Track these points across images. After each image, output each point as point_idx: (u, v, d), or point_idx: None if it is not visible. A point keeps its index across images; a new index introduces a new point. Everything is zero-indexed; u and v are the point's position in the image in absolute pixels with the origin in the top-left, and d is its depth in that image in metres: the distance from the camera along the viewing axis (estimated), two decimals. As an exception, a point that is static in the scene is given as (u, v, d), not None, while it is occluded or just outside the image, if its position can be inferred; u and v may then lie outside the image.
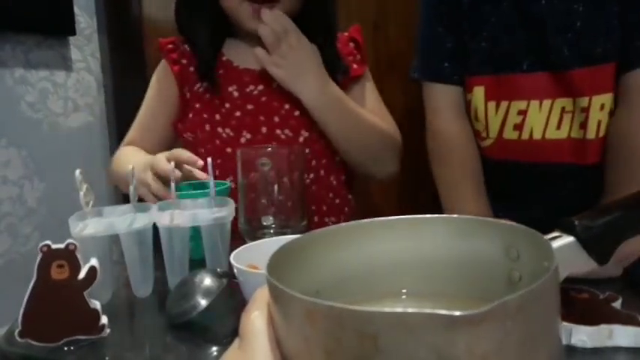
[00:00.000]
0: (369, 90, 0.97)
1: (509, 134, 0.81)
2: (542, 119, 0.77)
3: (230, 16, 0.90)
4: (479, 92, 0.83)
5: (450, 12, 0.83)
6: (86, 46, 1.74)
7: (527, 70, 0.77)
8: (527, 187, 0.83)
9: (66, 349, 0.56)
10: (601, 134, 0.73)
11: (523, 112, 0.78)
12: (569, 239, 0.35)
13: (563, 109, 0.75)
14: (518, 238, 0.33)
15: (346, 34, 0.97)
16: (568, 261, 0.34)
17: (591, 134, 0.73)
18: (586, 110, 0.73)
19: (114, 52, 1.76)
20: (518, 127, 0.79)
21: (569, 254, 0.35)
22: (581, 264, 0.35)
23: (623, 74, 0.71)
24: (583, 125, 0.74)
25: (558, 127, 0.76)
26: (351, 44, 0.96)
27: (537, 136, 0.78)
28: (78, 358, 0.56)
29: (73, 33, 1.65)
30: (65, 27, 1.63)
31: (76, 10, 1.66)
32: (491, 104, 0.81)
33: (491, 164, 0.87)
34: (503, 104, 0.80)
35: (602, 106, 0.72)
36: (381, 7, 1.43)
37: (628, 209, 0.37)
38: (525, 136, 0.79)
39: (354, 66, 0.95)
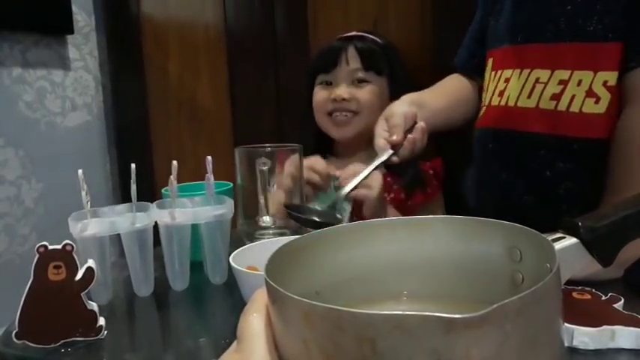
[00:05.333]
0: (439, 210, 1.12)
1: (495, 100, 0.87)
2: (519, 87, 0.82)
3: (323, 130, 1.13)
4: (489, 64, 0.91)
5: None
6: (84, 45, 1.73)
7: (520, 42, 0.83)
8: (503, 156, 0.86)
9: (63, 350, 0.56)
10: (572, 109, 0.75)
11: (507, 80, 0.84)
12: (572, 241, 0.34)
13: (537, 80, 0.79)
14: (521, 239, 0.33)
15: (429, 163, 1.11)
16: (571, 262, 0.34)
17: (563, 106, 0.76)
18: (564, 82, 0.76)
19: (112, 50, 1.75)
20: (501, 94, 0.85)
21: (572, 256, 0.34)
22: (585, 265, 0.35)
23: (633, 71, 0.72)
24: (557, 97, 0.77)
25: (529, 96, 0.80)
26: (431, 172, 1.11)
27: (511, 103, 0.82)
28: (75, 359, 0.55)
29: (71, 32, 1.65)
30: (63, 26, 1.62)
31: (74, 8, 1.65)
32: (493, 74, 0.89)
33: (475, 134, 0.93)
34: (498, 73, 0.87)
35: (580, 82, 0.75)
36: (382, 4, 1.43)
37: (632, 210, 0.37)
38: (503, 102, 0.84)
39: (428, 190, 1.10)
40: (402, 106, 0.86)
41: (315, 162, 0.97)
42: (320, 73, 1.13)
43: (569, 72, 0.76)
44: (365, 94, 1.09)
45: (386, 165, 0.84)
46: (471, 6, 1.31)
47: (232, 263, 0.59)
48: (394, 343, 0.23)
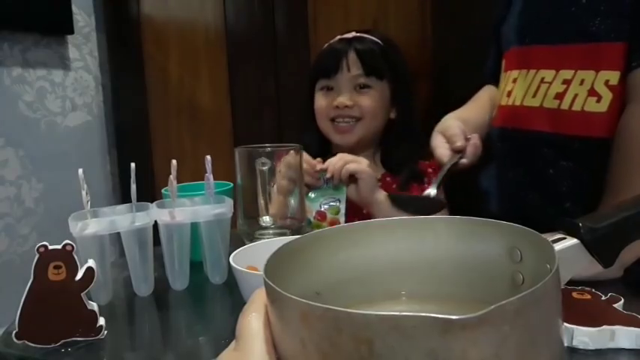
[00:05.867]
0: None
1: (503, 100, 0.89)
2: (524, 87, 0.84)
3: (324, 134, 1.14)
4: (502, 66, 0.94)
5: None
6: (84, 45, 1.73)
7: (527, 43, 0.86)
8: (509, 155, 0.88)
9: (63, 350, 0.56)
10: (574, 108, 0.77)
11: (514, 81, 0.87)
12: (572, 241, 0.34)
13: (542, 80, 0.82)
14: (521, 239, 0.33)
15: (427, 162, 1.13)
16: (572, 263, 0.34)
17: (565, 105, 0.78)
18: (568, 82, 0.79)
19: (112, 51, 1.75)
20: (508, 94, 0.88)
21: (572, 257, 0.34)
22: (586, 266, 0.35)
23: (636, 70, 0.73)
24: (560, 96, 0.79)
25: (534, 95, 0.82)
26: (430, 170, 1.12)
27: (517, 102, 0.85)
28: (75, 359, 0.55)
29: (71, 32, 1.65)
30: (63, 26, 1.63)
31: (74, 8, 1.65)
32: (504, 75, 0.92)
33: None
34: (507, 74, 0.89)
35: (582, 81, 0.77)
36: (382, 5, 1.43)
37: (633, 211, 0.36)
38: (510, 102, 0.87)
39: (425, 185, 1.11)
40: (453, 121, 0.89)
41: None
42: (321, 78, 1.12)
43: (572, 72, 0.78)
44: (367, 100, 1.08)
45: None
46: (470, 6, 1.31)
47: (232, 263, 0.59)
48: (391, 344, 0.23)
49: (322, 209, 0.97)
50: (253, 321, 0.30)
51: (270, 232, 0.81)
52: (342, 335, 0.24)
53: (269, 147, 0.83)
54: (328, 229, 0.37)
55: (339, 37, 1.14)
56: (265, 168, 0.80)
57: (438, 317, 0.22)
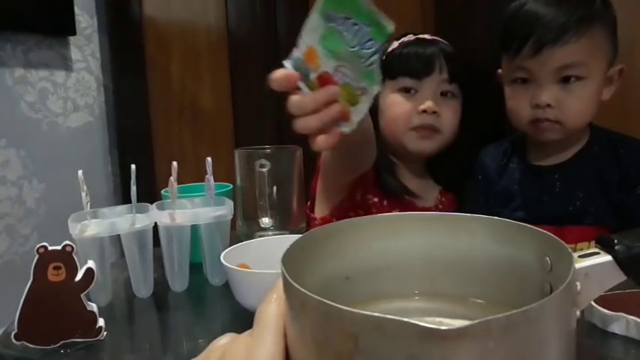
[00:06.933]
0: None
1: None
2: None
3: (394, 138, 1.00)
4: None
5: None
6: (86, 46, 1.74)
7: (531, 221, 0.93)
8: None
9: (62, 351, 0.56)
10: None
11: None
12: (606, 258, 0.33)
13: None
14: (551, 249, 0.32)
15: None
16: (602, 280, 0.32)
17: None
18: (572, 248, 0.89)
19: (114, 52, 1.76)
20: None
21: (603, 273, 0.32)
22: (617, 283, 0.33)
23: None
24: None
25: None
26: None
27: None
28: (74, 360, 0.55)
29: (74, 33, 1.65)
30: (65, 27, 1.63)
31: (76, 10, 1.66)
32: None
33: None
34: None
35: (582, 249, 0.91)
36: (383, 7, 1.43)
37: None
38: None
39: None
40: None
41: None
42: (401, 76, 0.97)
43: (573, 245, 0.87)
44: (449, 111, 0.97)
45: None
46: (472, 7, 1.31)
47: (223, 261, 0.59)
48: (374, 343, 0.23)
49: (334, 75, 0.59)
50: (271, 308, 0.30)
51: (270, 233, 0.81)
52: (332, 328, 0.25)
53: (268, 148, 0.83)
54: (365, 218, 0.37)
55: (414, 37, 1.00)
56: (264, 169, 0.80)
57: (418, 325, 0.22)
